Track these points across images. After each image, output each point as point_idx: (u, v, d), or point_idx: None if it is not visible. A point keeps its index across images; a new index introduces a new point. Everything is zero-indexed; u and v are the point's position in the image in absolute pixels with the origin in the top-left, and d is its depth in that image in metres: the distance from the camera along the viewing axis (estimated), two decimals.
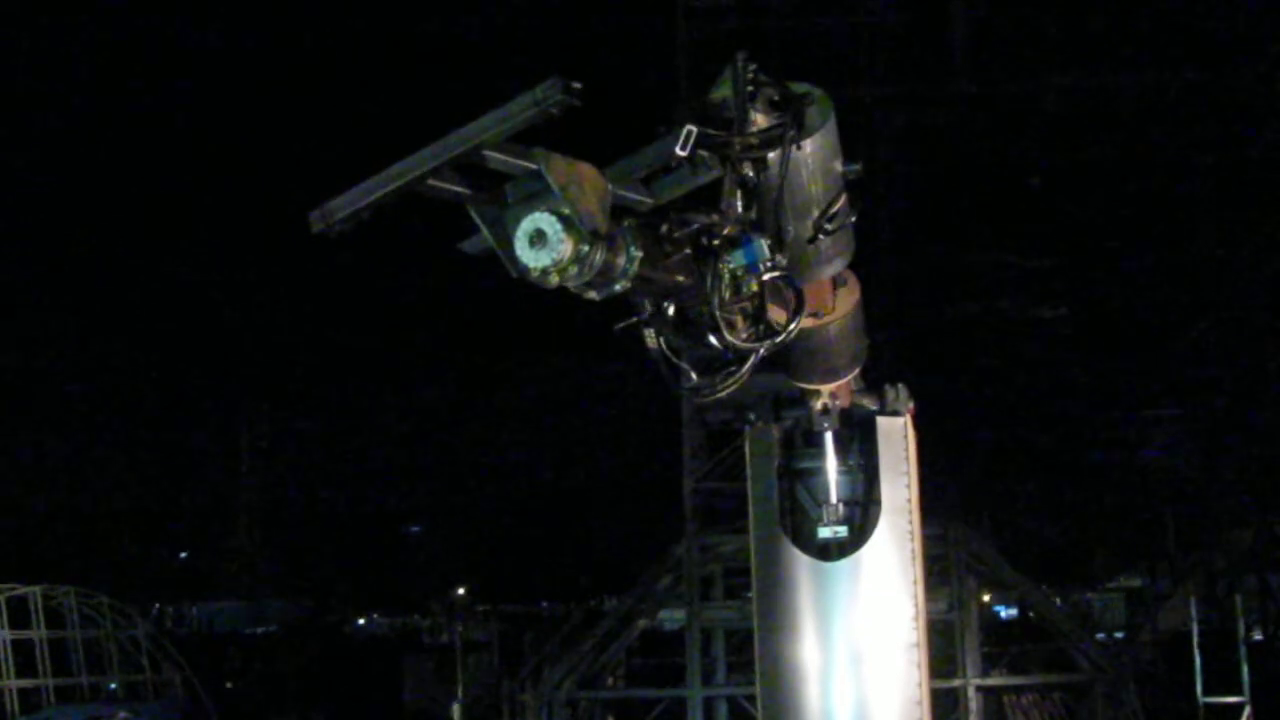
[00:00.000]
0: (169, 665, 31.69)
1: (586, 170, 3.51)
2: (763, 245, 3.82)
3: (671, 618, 26.78)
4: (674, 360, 4.01)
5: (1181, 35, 28.95)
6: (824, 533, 6.98)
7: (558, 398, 56.56)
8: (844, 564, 6.88)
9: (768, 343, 3.99)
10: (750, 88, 3.84)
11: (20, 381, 50.94)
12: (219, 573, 61.95)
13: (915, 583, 6.87)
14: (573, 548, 57.48)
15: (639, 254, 3.57)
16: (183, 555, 64.13)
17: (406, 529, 65.34)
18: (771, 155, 3.89)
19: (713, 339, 3.88)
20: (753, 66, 3.81)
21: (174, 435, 59.48)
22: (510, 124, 3.36)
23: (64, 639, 30.35)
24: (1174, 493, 36.99)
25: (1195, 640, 21.31)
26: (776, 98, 3.94)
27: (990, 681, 21.33)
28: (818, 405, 6.81)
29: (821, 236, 4.38)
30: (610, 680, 24.07)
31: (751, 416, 7.24)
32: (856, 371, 6.66)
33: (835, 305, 5.63)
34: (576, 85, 3.28)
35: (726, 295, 3.84)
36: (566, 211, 3.39)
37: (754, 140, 3.83)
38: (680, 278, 3.80)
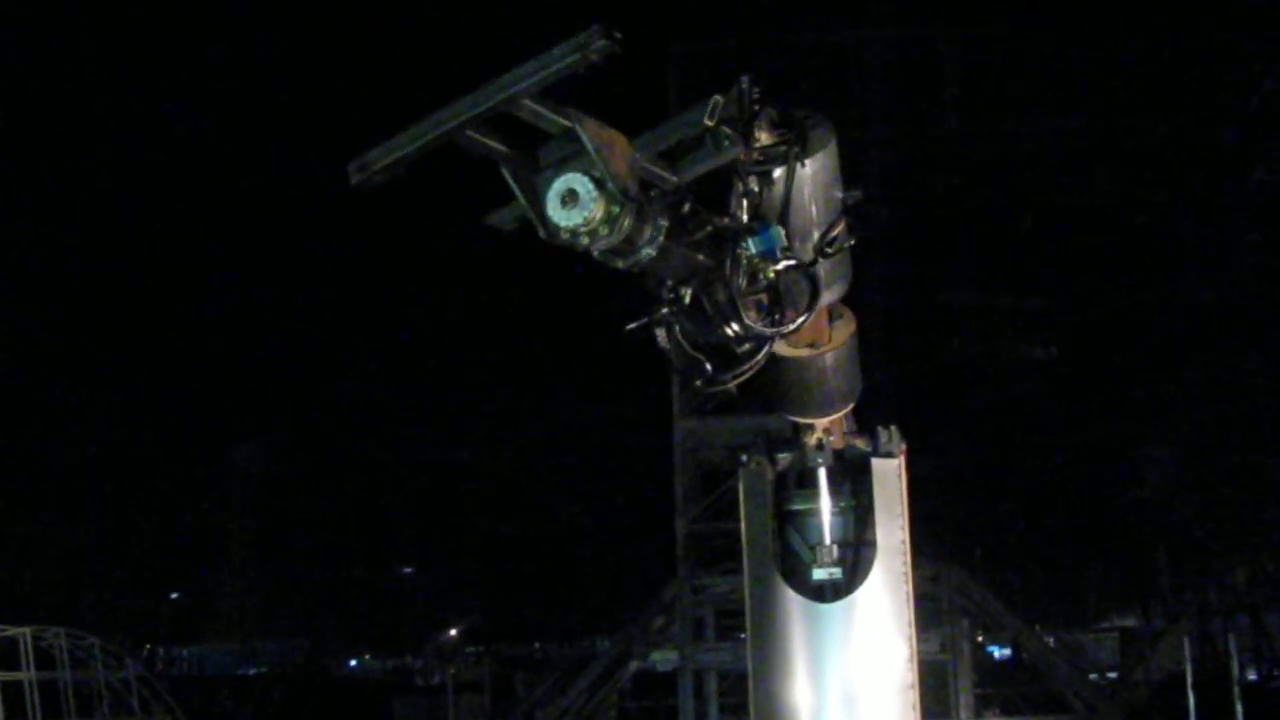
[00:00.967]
0: (160, 707, 31.52)
1: (618, 137, 3.53)
2: (779, 232, 3.87)
3: (664, 659, 26.71)
4: (689, 351, 4.03)
5: (1170, 79, 29.17)
6: (818, 574, 6.97)
7: (551, 438, 56.56)
8: (839, 606, 6.87)
9: (785, 328, 4.00)
10: (755, 106, 3.88)
11: (8, 423, 50.84)
12: (210, 613, 61.72)
13: (910, 624, 6.87)
14: (565, 588, 57.33)
15: (665, 223, 3.59)
16: (174, 596, 63.85)
17: (399, 570, 65.12)
18: (776, 174, 3.95)
19: (732, 327, 3.90)
20: (756, 88, 3.86)
21: (165, 475, 59.30)
22: (551, 71, 3.34)
23: (54, 680, 30.18)
24: (1167, 532, 36.97)
25: (1189, 680, 21.29)
26: (778, 118, 3.99)
27: None
28: (812, 440, 6.80)
29: (820, 260, 4.41)
30: None
31: (744, 457, 7.23)
32: (850, 407, 6.66)
33: (832, 336, 5.65)
34: (618, 34, 3.30)
35: (743, 283, 3.87)
36: (599, 173, 3.41)
37: (759, 155, 3.89)
38: (701, 257, 3.83)
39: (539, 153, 3.60)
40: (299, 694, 41.19)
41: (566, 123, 3.45)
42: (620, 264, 3.63)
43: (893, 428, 7.06)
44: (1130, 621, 45.60)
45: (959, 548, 29.17)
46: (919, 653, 7.05)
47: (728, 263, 3.83)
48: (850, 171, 4.42)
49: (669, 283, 3.92)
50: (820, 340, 5.57)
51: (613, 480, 53.42)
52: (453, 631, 59.17)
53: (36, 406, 52.94)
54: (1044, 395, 33.68)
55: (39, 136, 50.98)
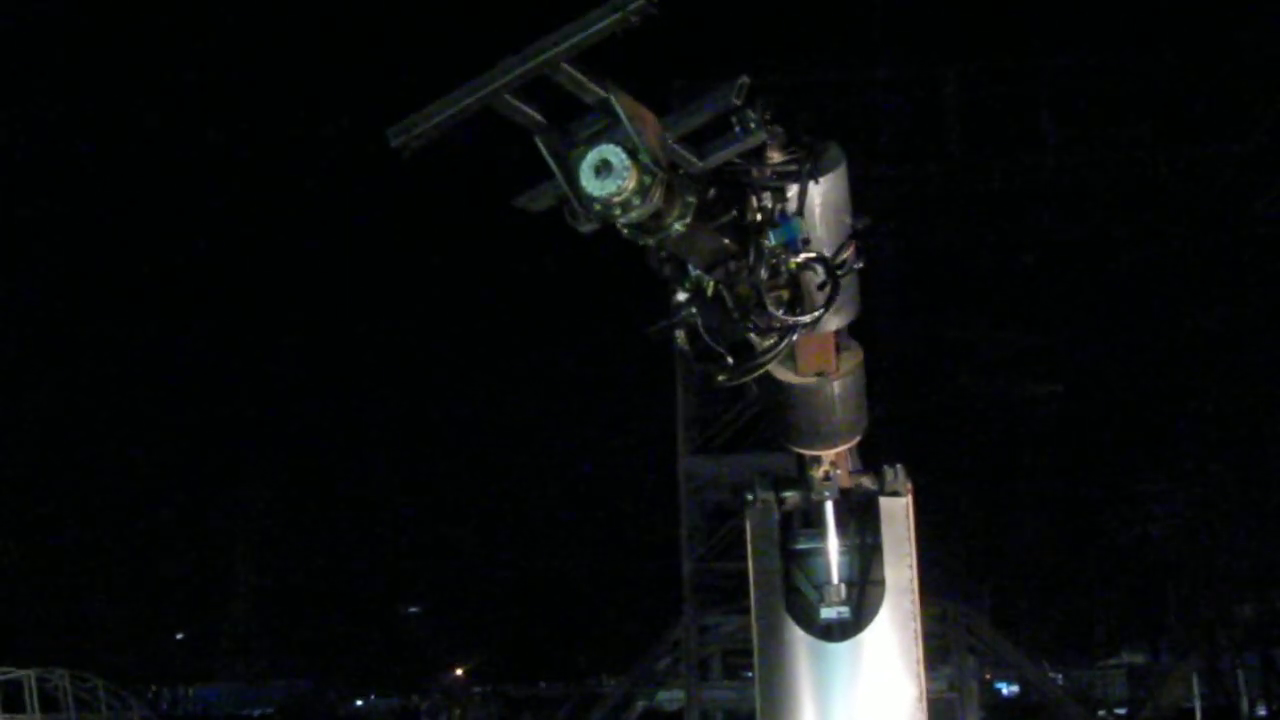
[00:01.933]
0: None
1: (649, 114, 3.59)
2: (800, 224, 3.95)
3: (671, 698, 26.61)
4: (711, 344, 4.05)
5: (1173, 114, 29.24)
6: (826, 614, 6.94)
7: (556, 476, 56.55)
8: (847, 645, 6.84)
9: (807, 318, 4.05)
10: (766, 116, 3.90)
11: (11, 460, 50.80)
12: (216, 653, 61.50)
13: (918, 663, 6.83)
14: (572, 628, 57.17)
15: (694, 201, 3.64)
16: (179, 636, 63.64)
17: (405, 609, 64.93)
18: (790, 192, 3.99)
19: (754, 318, 3.94)
20: (767, 110, 3.88)
21: (170, 515, 59.22)
22: (591, 33, 3.36)
23: None
24: (1175, 568, 36.80)
25: (1198, 717, 21.19)
26: (787, 139, 4.04)
27: None
28: (818, 473, 6.78)
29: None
30: None
31: (750, 496, 7.21)
32: (856, 440, 6.64)
33: (839, 366, 5.64)
34: None
35: (764, 276, 3.92)
36: (632, 145, 3.47)
37: (772, 171, 3.94)
38: (726, 241, 3.89)
39: (571, 126, 3.65)
40: None
41: (602, 92, 3.50)
42: (649, 240, 3.69)
43: (899, 466, 7.04)
44: (1139, 658, 45.37)
45: (966, 585, 29.07)
46: (925, 691, 7.01)
47: (751, 252, 3.89)
48: (856, 205, 4.44)
49: (692, 273, 3.97)
50: (828, 368, 5.57)
51: (619, 519, 53.41)
52: (459, 671, 58.90)
53: (41, 444, 52.93)
54: (1051, 431, 33.63)
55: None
